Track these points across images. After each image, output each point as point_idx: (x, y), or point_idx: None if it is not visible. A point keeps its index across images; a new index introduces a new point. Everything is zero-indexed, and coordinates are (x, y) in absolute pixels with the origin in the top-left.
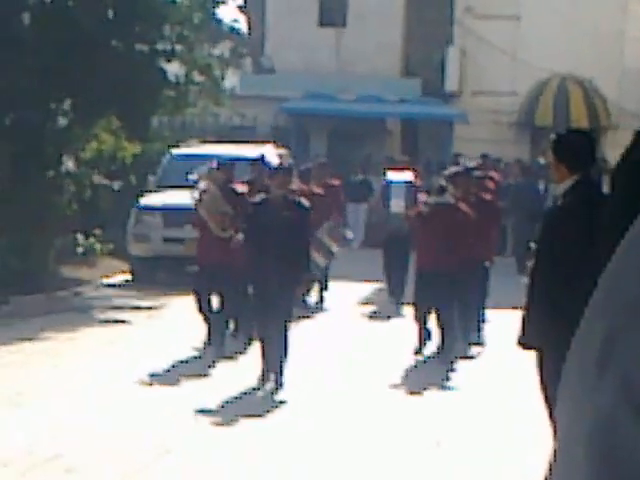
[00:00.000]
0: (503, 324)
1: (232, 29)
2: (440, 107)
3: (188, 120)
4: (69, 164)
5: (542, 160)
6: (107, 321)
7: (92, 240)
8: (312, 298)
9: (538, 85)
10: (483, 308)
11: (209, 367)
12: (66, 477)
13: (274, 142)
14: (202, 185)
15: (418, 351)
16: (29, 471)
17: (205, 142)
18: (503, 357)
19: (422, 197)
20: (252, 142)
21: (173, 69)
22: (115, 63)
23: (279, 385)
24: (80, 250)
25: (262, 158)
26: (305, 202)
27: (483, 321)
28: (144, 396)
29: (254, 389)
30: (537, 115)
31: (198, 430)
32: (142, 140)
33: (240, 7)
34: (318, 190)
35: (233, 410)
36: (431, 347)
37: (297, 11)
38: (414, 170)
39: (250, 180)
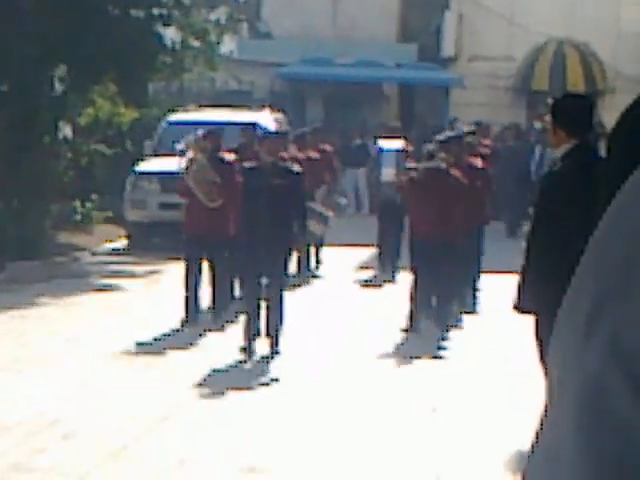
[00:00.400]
0: (495, 289)
1: None
2: (437, 72)
3: (185, 85)
4: (66, 130)
5: (538, 125)
6: (104, 287)
7: (89, 206)
8: (308, 264)
9: (535, 49)
10: (478, 275)
11: (200, 336)
12: (64, 443)
13: (271, 107)
14: (189, 154)
15: (407, 329)
16: (29, 436)
17: (202, 107)
18: (496, 323)
19: (411, 163)
20: (249, 107)
21: (169, 34)
22: (111, 28)
23: (275, 352)
24: (77, 217)
25: (254, 124)
26: (296, 168)
27: (477, 289)
28: (137, 366)
29: (241, 362)
30: (534, 80)
31: (193, 399)
32: (139, 106)
33: None
34: (314, 155)
35: (224, 382)
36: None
37: None
38: (405, 137)
39: (239, 147)
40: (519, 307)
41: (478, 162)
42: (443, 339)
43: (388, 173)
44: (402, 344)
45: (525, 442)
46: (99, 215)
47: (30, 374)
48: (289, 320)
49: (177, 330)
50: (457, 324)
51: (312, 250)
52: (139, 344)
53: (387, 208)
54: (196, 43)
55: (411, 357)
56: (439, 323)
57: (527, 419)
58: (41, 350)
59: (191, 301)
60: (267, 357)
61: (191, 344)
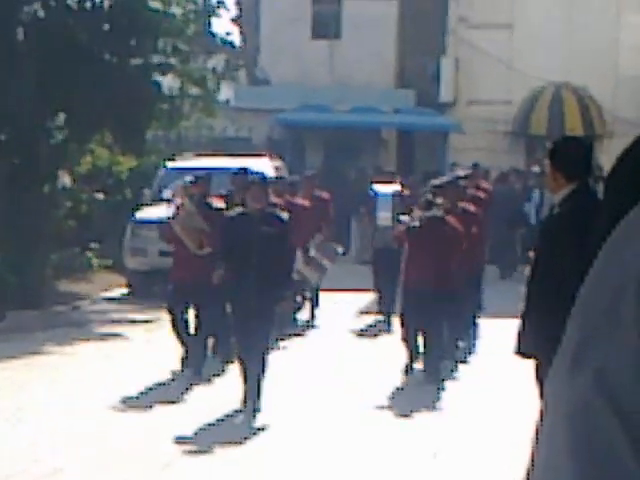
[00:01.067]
0: (491, 333)
1: (225, 42)
2: (435, 117)
3: (183, 133)
4: (65, 179)
5: (537, 169)
6: (105, 335)
7: (89, 255)
8: (303, 315)
9: (533, 94)
10: (475, 323)
11: (186, 391)
12: None
13: (270, 154)
14: (177, 201)
15: (407, 371)
16: None
17: (200, 155)
18: (493, 368)
19: (406, 210)
20: (248, 154)
21: (167, 82)
22: (109, 77)
23: (256, 410)
24: (77, 265)
25: (245, 170)
26: (284, 215)
27: (475, 337)
28: (128, 419)
29: (235, 412)
30: (532, 124)
31: (179, 456)
32: (137, 154)
33: (234, 19)
34: (304, 202)
35: (211, 436)
36: (419, 366)
37: (291, 23)
38: (401, 182)
39: (227, 194)
40: (520, 352)
41: (471, 207)
42: (438, 391)
43: (384, 217)
44: (395, 397)
45: None
46: (99, 263)
47: (32, 422)
48: (282, 373)
49: (160, 384)
50: (452, 375)
51: (307, 300)
52: (129, 398)
53: (382, 254)
54: (194, 90)
55: (406, 411)
56: (430, 379)
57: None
58: (43, 398)
59: (191, 346)
60: (250, 417)
61: (170, 401)
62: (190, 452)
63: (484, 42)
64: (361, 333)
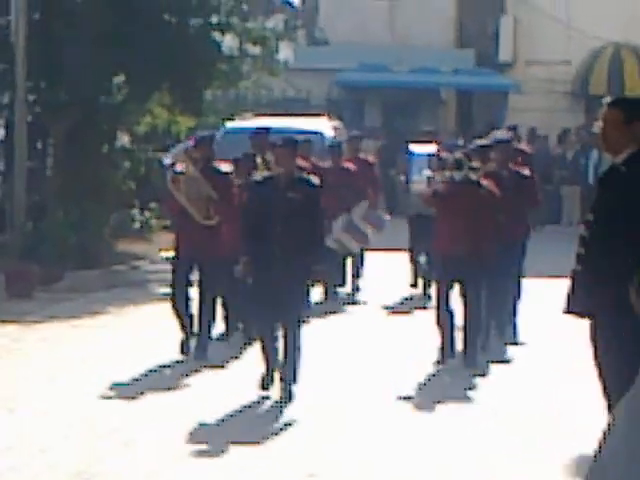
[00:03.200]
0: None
1: (284, 2)
2: (494, 77)
3: (242, 93)
4: (124, 139)
5: (596, 128)
6: (163, 296)
7: (148, 215)
8: (345, 288)
9: (592, 53)
10: (518, 300)
11: (187, 376)
12: (124, 450)
13: (328, 114)
14: (179, 166)
15: (440, 361)
16: (92, 442)
17: (259, 115)
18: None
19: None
20: (306, 115)
21: (227, 42)
22: (169, 37)
23: (288, 396)
24: (136, 225)
25: (266, 130)
26: (314, 179)
27: (515, 314)
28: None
29: (253, 403)
30: (591, 84)
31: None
32: (196, 114)
33: None
34: (350, 166)
35: (225, 431)
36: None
37: None
38: (437, 141)
39: (241, 157)
40: (571, 311)
41: (524, 170)
42: (475, 375)
43: (419, 181)
44: (428, 383)
45: None
46: (158, 223)
47: (93, 377)
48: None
49: (178, 362)
50: (502, 359)
51: (348, 270)
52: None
53: (418, 221)
54: (254, 50)
55: (435, 401)
56: (467, 361)
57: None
58: (103, 356)
59: (189, 334)
60: (280, 403)
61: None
62: (203, 447)
63: (543, 1)
64: (394, 311)
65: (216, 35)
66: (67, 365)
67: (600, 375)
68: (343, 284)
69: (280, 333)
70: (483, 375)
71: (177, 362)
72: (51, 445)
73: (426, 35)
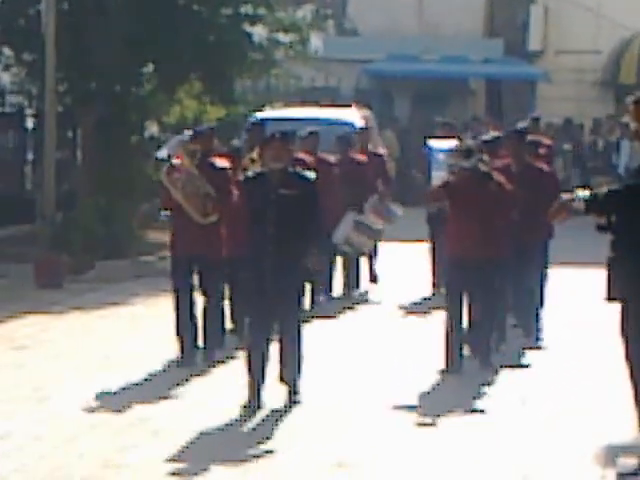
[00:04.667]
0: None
1: None
2: (523, 67)
3: (272, 83)
4: (153, 129)
5: (626, 119)
6: None
7: None
8: (359, 288)
9: (622, 43)
10: (540, 303)
11: (176, 386)
12: (152, 439)
13: (357, 104)
14: (175, 160)
15: (447, 369)
16: (120, 432)
17: (288, 105)
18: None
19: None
20: (336, 105)
21: (257, 31)
22: (199, 27)
23: (293, 402)
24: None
25: (262, 122)
26: (310, 174)
27: (538, 319)
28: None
29: (237, 421)
30: (621, 73)
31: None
32: (226, 104)
33: None
34: (359, 158)
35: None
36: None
37: None
38: (459, 137)
39: (235, 150)
40: (610, 297)
41: (543, 164)
42: (485, 384)
43: (438, 177)
44: (433, 391)
45: None
46: None
47: (118, 373)
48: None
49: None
50: (520, 363)
51: (362, 268)
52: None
53: (438, 220)
54: (285, 38)
55: (439, 411)
56: (482, 363)
57: None
58: (129, 349)
59: (187, 340)
60: (284, 408)
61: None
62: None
63: None
64: (410, 311)
65: (246, 25)
66: (94, 357)
67: (631, 368)
68: (358, 286)
69: (276, 339)
70: (491, 382)
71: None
72: (78, 435)
73: (455, 25)
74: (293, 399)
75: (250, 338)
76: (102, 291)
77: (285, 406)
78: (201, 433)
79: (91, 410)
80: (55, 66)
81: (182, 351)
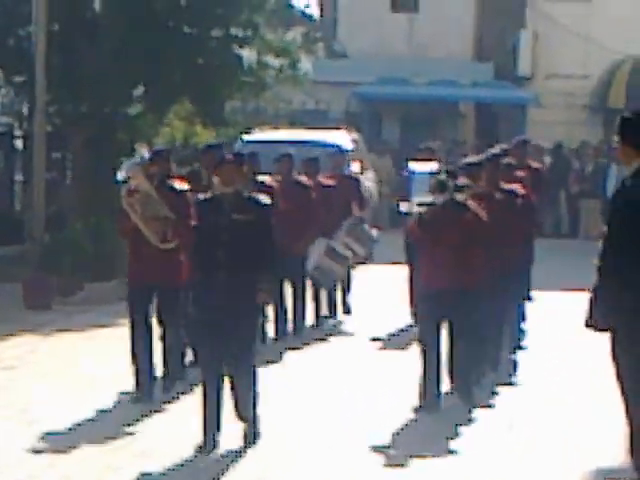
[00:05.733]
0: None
1: (304, 14)
2: (513, 91)
3: (261, 105)
4: (142, 151)
5: (615, 142)
6: None
7: None
8: (335, 317)
9: (611, 67)
10: (519, 335)
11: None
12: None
13: (347, 127)
14: (133, 182)
15: (419, 408)
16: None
17: (278, 127)
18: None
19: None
20: (325, 128)
21: (247, 54)
22: (189, 49)
23: (253, 439)
24: None
25: (219, 146)
26: (263, 199)
27: (515, 353)
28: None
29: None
30: (610, 97)
31: None
32: (216, 125)
33: None
34: (328, 182)
35: None
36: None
37: None
38: (439, 159)
39: (192, 172)
40: (592, 325)
41: (517, 188)
42: (459, 424)
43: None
44: (405, 430)
45: None
46: None
47: (105, 395)
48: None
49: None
50: (488, 402)
51: (338, 295)
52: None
53: (415, 246)
54: (275, 61)
55: (411, 453)
56: (461, 395)
57: None
58: (118, 371)
59: (143, 372)
60: (243, 447)
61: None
62: None
63: (562, 15)
64: (388, 344)
65: (236, 47)
66: (81, 378)
67: (623, 394)
68: (334, 315)
69: (228, 377)
70: (470, 420)
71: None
72: (63, 458)
73: (445, 48)
74: (250, 439)
75: (202, 376)
76: (91, 313)
77: (243, 445)
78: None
79: (75, 434)
80: (45, 87)
81: (137, 384)
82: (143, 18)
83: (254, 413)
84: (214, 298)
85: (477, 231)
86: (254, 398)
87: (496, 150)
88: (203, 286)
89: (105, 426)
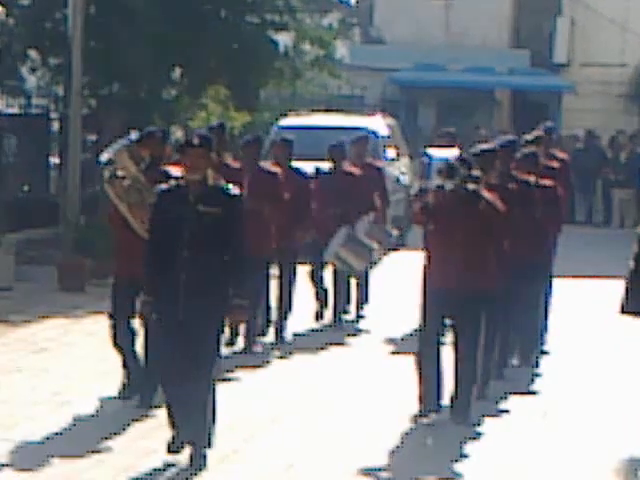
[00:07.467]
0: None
1: (341, 0)
2: (549, 78)
3: (297, 90)
4: (178, 134)
5: None
6: None
7: None
8: (350, 315)
9: None
10: (538, 344)
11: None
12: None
13: (383, 112)
14: (119, 165)
15: (419, 415)
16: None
17: (314, 112)
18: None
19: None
20: (361, 112)
21: (283, 40)
22: (225, 34)
23: (198, 466)
24: None
25: (221, 126)
26: (233, 190)
27: (537, 365)
28: None
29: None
30: None
31: None
32: (251, 110)
33: None
34: (354, 170)
35: None
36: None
37: None
38: (458, 144)
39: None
40: (628, 311)
41: (544, 180)
42: (464, 442)
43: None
44: (403, 446)
45: None
46: None
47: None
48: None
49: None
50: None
51: (352, 294)
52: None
53: None
54: (310, 49)
55: (409, 476)
56: (456, 416)
57: None
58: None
59: (133, 370)
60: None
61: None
62: None
63: (599, 3)
64: (396, 350)
65: (272, 33)
66: (114, 360)
67: None
68: (347, 311)
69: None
70: (475, 436)
71: None
72: (100, 439)
73: (481, 35)
74: (201, 461)
75: (163, 388)
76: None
77: (190, 468)
78: None
79: (111, 416)
80: (81, 70)
81: (127, 384)
82: (181, 3)
83: (203, 441)
84: (175, 300)
85: (491, 225)
86: (205, 420)
87: (511, 137)
88: (162, 287)
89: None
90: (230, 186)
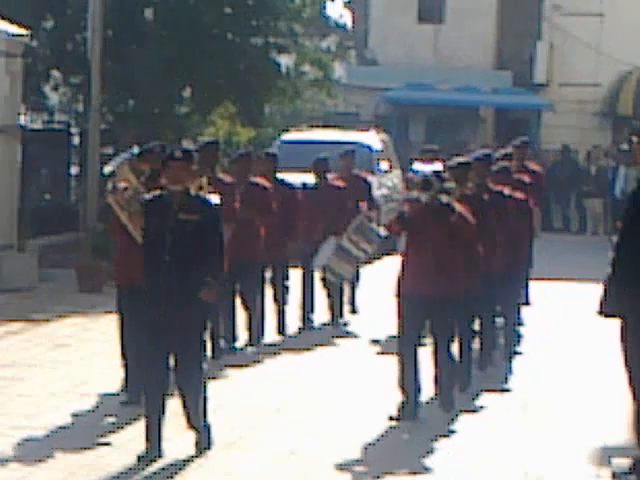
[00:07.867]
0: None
1: (338, 24)
2: (529, 97)
3: (298, 107)
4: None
5: (625, 146)
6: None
7: None
8: (344, 318)
9: (620, 77)
10: (514, 344)
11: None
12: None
13: (376, 128)
14: (120, 178)
15: (397, 417)
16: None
17: (313, 128)
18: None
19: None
20: (356, 128)
21: (285, 61)
22: (232, 55)
23: (204, 446)
24: None
25: (216, 142)
26: (212, 199)
27: (510, 358)
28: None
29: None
30: (619, 105)
31: None
32: (256, 125)
33: (346, 3)
34: (339, 182)
35: None
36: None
37: (398, 7)
38: (443, 159)
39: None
40: (604, 312)
41: (516, 193)
42: (436, 437)
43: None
44: (377, 445)
45: None
46: None
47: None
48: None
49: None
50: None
51: (345, 296)
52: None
53: None
54: (310, 70)
55: (381, 471)
56: (444, 403)
57: None
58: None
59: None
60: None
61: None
62: None
63: (576, 28)
64: (381, 351)
65: (275, 55)
66: None
67: (630, 379)
68: (341, 315)
69: (176, 385)
70: (452, 432)
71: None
72: (117, 428)
73: (467, 57)
74: (202, 446)
75: (145, 382)
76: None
77: (195, 453)
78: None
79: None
80: (100, 88)
81: (126, 386)
82: (191, 26)
83: (205, 421)
84: (159, 303)
85: (462, 234)
86: (203, 405)
87: (486, 150)
88: (149, 289)
89: None
90: (210, 196)
